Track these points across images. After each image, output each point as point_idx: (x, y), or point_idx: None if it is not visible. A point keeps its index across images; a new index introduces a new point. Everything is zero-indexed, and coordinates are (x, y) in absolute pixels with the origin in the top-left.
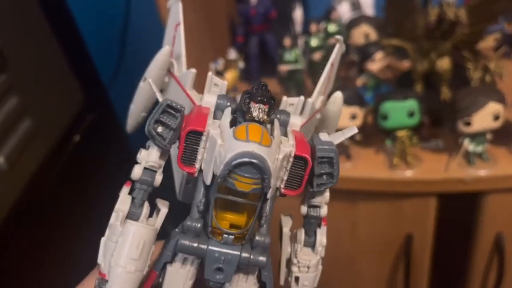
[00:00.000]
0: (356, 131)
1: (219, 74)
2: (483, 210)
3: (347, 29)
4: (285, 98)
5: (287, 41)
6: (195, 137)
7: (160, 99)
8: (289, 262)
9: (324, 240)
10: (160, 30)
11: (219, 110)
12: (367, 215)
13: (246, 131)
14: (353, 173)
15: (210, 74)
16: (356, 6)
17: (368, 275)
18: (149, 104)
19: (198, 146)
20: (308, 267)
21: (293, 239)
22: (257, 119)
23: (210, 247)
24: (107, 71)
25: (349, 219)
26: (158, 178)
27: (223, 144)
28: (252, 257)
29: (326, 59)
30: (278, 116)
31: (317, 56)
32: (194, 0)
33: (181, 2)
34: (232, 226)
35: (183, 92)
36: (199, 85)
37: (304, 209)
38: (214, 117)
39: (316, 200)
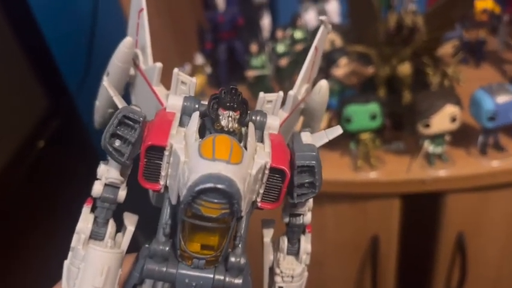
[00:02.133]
0: (340, 131)
1: None
2: (444, 210)
3: (313, 36)
4: (262, 94)
5: (254, 48)
6: (156, 151)
7: (119, 105)
8: (272, 272)
9: (309, 248)
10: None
11: (185, 114)
12: (334, 218)
13: (213, 146)
14: None
15: (175, 70)
16: (322, 13)
17: (336, 277)
18: None
19: (161, 161)
20: (292, 277)
21: (275, 247)
22: (226, 129)
23: (180, 271)
24: (74, 76)
25: (316, 223)
26: (122, 194)
27: (187, 162)
28: (226, 279)
29: (292, 64)
30: (253, 117)
31: (283, 61)
32: (158, 5)
33: None
34: (203, 247)
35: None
36: (166, 88)
37: (286, 218)
38: (181, 124)
39: (299, 209)
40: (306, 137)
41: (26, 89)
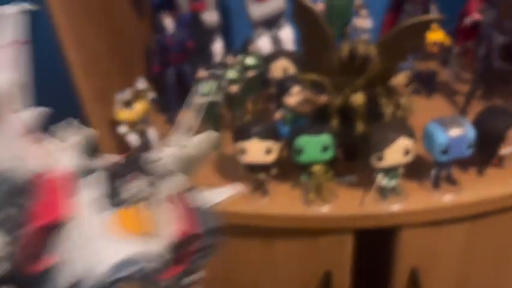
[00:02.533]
0: (231, 192)
1: (128, 104)
2: (398, 245)
3: (266, 62)
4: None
5: (201, 73)
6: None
7: None
8: None
9: None
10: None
11: (81, 176)
12: (284, 254)
13: (118, 223)
14: (270, 209)
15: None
16: (275, 40)
17: None
18: None
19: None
20: None
21: None
22: (132, 201)
23: None
24: None
25: (267, 258)
26: None
27: (86, 243)
28: None
29: (243, 91)
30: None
31: (234, 88)
32: (99, 25)
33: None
34: None
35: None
36: (104, 119)
37: None
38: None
39: None
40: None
41: None
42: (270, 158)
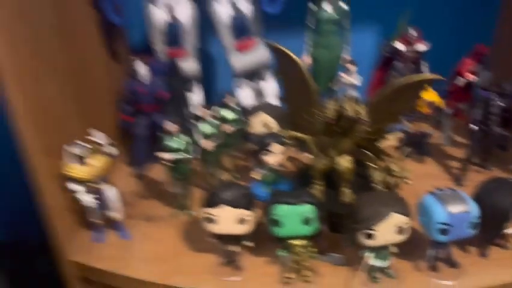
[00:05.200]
0: None
1: (81, 159)
2: None
3: (246, 116)
4: None
5: (170, 126)
6: None
7: None
8: None
9: None
10: None
11: None
12: None
13: None
14: None
15: None
16: (258, 93)
17: None
18: None
19: None
20: None
21: None
22: None
23: None
24: None
25: None
26: None
27: None
28: None
29: (219, 147)
30: None
31: (208, 144)
32: (56, 69)
33: None
34: None
35: None
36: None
37: None
38: None
39: None
40: None
41: None
42: (243, 229)
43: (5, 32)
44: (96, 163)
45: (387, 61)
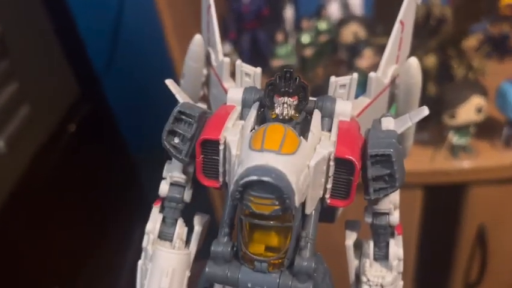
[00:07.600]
0: (426, 112)
1: None
2: (466, 202)
3: (336, 27)
4: (333, 78)
5: (279, 36)
6: (211, 146)
7: (180, 100)
8: (358, 279)
9: (401, 252)
10: (155, 22)
11: (246, 107)
12: (357, 208)
13: (263, 136)
14: None
15: (238, 62)
16: (345, 6)
17: None
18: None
19: (218, 156)
20: (382, 286)
21: (360, 252)
22: (281, 117)
23: (242, 277)
24: (101, 62)
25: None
26: (188, 193)
27: (238, 155)
28: (293, 284)
29: (316, 55)
30: (320, 103)
31: (308, 52)
32: None
33: None
34: (267, 249)
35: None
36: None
37: (368, 218)
38: (242, 117)
39: (381, 207)
40: (387, 123)
41: (60, 74)
42: None
43: None
44: None
45: None
